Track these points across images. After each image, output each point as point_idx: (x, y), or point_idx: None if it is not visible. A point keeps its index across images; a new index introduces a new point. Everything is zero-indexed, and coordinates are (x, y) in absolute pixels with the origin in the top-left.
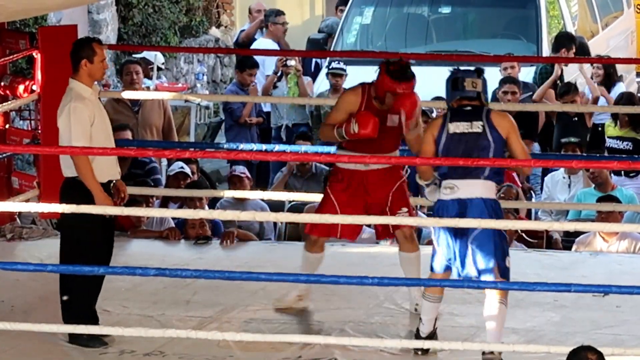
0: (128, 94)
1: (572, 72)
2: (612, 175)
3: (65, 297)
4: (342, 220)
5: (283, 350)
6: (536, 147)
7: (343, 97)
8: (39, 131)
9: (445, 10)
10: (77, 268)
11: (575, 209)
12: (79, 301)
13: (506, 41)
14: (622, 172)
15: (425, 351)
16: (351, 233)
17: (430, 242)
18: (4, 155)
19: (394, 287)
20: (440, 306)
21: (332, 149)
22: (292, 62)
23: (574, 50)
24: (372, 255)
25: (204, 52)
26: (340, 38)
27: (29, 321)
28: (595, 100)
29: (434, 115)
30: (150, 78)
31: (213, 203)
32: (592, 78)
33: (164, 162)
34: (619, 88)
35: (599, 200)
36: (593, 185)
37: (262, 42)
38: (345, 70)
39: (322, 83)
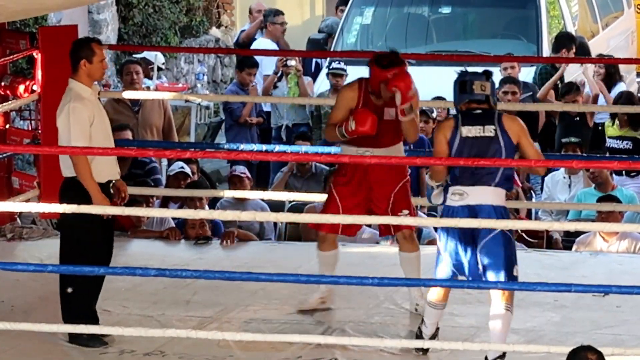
0: (128, 94)
1: (573, 72)
2: (613, 175)
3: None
4: (342, 220)
5: (283, 350)
6: (536, 147)
7: (341, 94)
8: (39, 131)
9: (446, 10)
10: (77, 268)
11: (575, 209)
12: (79, 301)
13: (506, 41)
14: (623, 172)
15: (425, 351)
16: (351, 228)
17: (430, 242)
18: (4, 155)
19: (394, 287)
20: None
21: (332, 149)
22: (292, 62)
23: (574, 50)
24: (372, 255)
25: (204, 52)
26: (340, 38)
27: (29, 321)
28: (595, 98)
29: (434, 115)
30: (150, 78)
31: (213, 203)
32: (593, 77)
33: (164, 162)
34: (619, 88)
35: (599, 200)
36: (593, 185)
37: (261, 42)
38: (345, 71)
39: (323, 83)
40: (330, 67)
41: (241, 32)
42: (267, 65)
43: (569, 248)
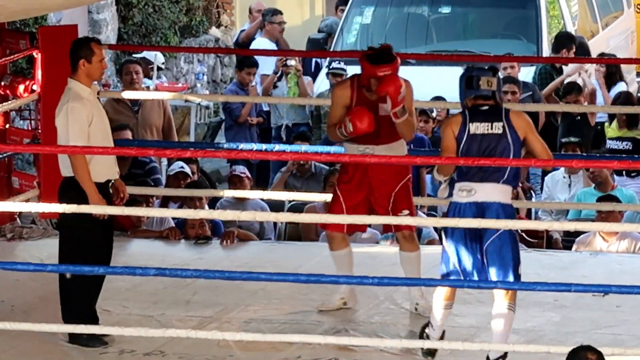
0: (128, 94)
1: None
2: (614, 175)
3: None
4: (342, 220)
5: (283, 350)
6: (543, 142)
7: (334, 93)
8: (39, 131)
9: (445, 10)
10: (77, 268)
11: (575, 208)
12: (78, 301)
13: (506, 41)
14: (624, 172)
15: (433, 354)
16: (356, 226)
17: (430, 242)
18: (4, 155)
19: (394, 287)
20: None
21: (332, 149)
22: (292, 62)
23: (574, 50)
24: (372, 255)
25: (204, 52)
26: (340, 38)
27: (29, 321)
28: (592, 95)
29: (434, 115)
30: (150, 78)
31: (213, 203)
32: (592, 76)
33: (164, 161)
34: (619, 88)
35: (599, 200)
36: (593, 185)
37: (259, 42)
38: (345, 70)
39: (322, 83)
40: (330, 67)
41: (241, 32)
42: (265, 65)
43: (569, 248)
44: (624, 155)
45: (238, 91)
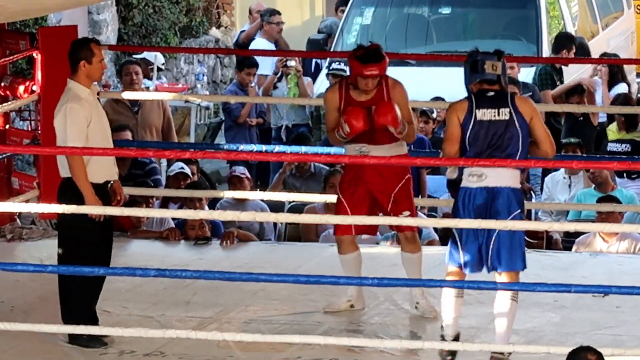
0: (128, 95)
1: (573, 73)
2: (615, 177)
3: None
4: (342, 221)
5: (283, 350)
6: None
7: (326, 97)
8: (39, 132)
9: (446, 10)
10: (77, 269)
11: (575, 209)
12: (78, 302)
13: (506, 42)
14: (624, 174)
15: (454, 355)
16: (366, 229)
17: (430, 243)
18: (4, 155)
19: (394, 287)
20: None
21: (332, 149)
22: (292, 63)
23: (574, 50)
24: (372, 255)
25: (204, 53)
26: (340, 38)
27: (29, 321)
28: (591, 94)
29: (434, 115)
30: (150, 79)
31: (213, 204)
32: (595, 75)
33: (164, 162)
34: (619, 88)
35: (599, 200)
36: (593, 186)
37: (258, 42)
38: (345, 71)
39: (322, 83)
40: (330, 67)
41: (241, 32)
42: (263, 65)
43: (569, 248)
44: (624, 157)
45: (238, 92)
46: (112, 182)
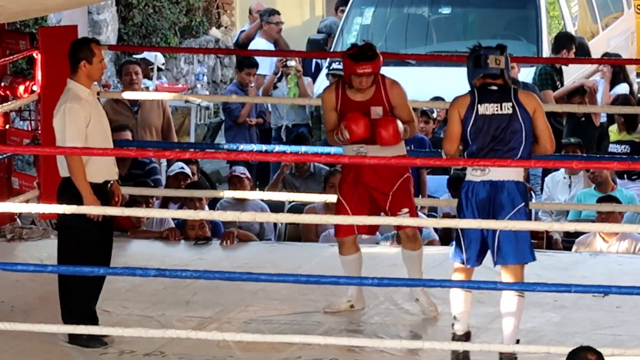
0: (127, 95)
1: (573, 73)
2: (616, 179)
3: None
4: (342, 221)
5: (283, 350)
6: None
7: (323, 98)
8: (39, 132)
9: (446, 10)
10: (77, 269)
11: (575, 209)
12: (78, 301)
13: (506, 42)
14: (625, 175)
15: (466, 355)
16: (365, 227)
17: (430, 243)
18: (4, 155)
19: (394, 287)
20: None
21: (332, 149)
22: (292, 63)
23: (574, 50)
24: (372, 255)
25: (204, 53)
26: (340, 38)
27: (29, 321)
28: (593, 95)
29: (434, 115)
30: (150, 79)
31: (213, 204)
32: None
33: (164, 162)
34: (620, 88)
35: (599, 200)
36: (593, 186)
37: (257, 42)
38: None
39: (323, 84)
40: (330, 67)
41: (241, 32)
42: (262, 65)
43: (569, 248)
44: (623, 157)
45: (238, 92)
46: (111, 182)
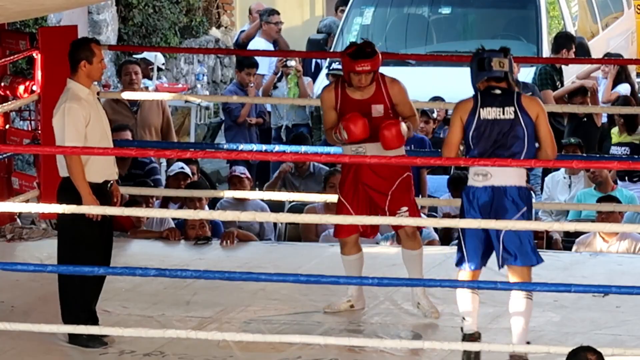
0: (127, 95)
1: (573, 73)
2: (617, 181)
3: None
4: (342, 221)
5: (283, 350)
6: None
7: (322, 97)
8: (39, 131)
9: (445, 10)
10: (77, 269)
11: (575, 209)
12: (77, 301)
13: (506, 42)
14: (626, 177)
15: (477, 355)
16: (367, 232)
17: (430, 243)
18: (4, 155)
19: (394, 287)
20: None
21: (332, 149)
22: (292, 63)
23: (574, 50)
24: (372, 255)
25: (204, 53)
26: (340, 38)
27: (29, 321)
28: (594, 96)
29: (434, 115)
30: (150, 78)
31: (213, 203)
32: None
33: (164, 162)
34: (622, 88)
35: (599, 200)
36: (593, 186)
37: (256, 42)
38: None
39: (323, 84)
40: (330, 67)
41: (241, 32)
42: (261, 65)
43: (569, 248)
44: (623, 156)
45: (238, 92)
46: (111, 182)
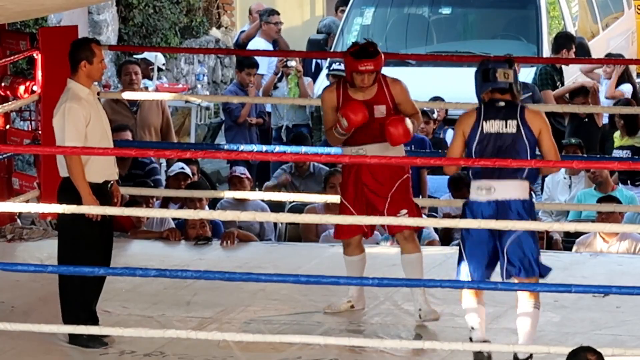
0: (127, 95)
1: (573, 73)
2: (619, 183)
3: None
4: (342, 221)
5: (283, 350)
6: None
7: (323, 98)
8: (39, 132)
9: (446, 11)
10: (77, 269)
11: (575, 209)
12: (78, 301)
13: (506, 42)
14: (628, 181)
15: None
16: (367, 230)
17: (430, 243)
18: (5, 155)
19: (394, 287)
20: (484, 310)
21: (332, 149)
22: (292, 63)
23: (574, 50)
24: (372, 255)
25: (204, 53)
26: (340, 39)
27: (29, 322)
28: (595, 96)
29: (434, 115)
30: (150, 79)
31: (213, 204)
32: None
33: (164, 162)
34: (623, 88)
35: (599, 200)
36: (593, 186)
37: (256, 42)
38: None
39: (323, 84)
40: (331, 67)
41: (241, 32)
42: (261, 65)
43: (569, 249)
44: (623, 157)
45: (238, 92)
46: (111, 182)
